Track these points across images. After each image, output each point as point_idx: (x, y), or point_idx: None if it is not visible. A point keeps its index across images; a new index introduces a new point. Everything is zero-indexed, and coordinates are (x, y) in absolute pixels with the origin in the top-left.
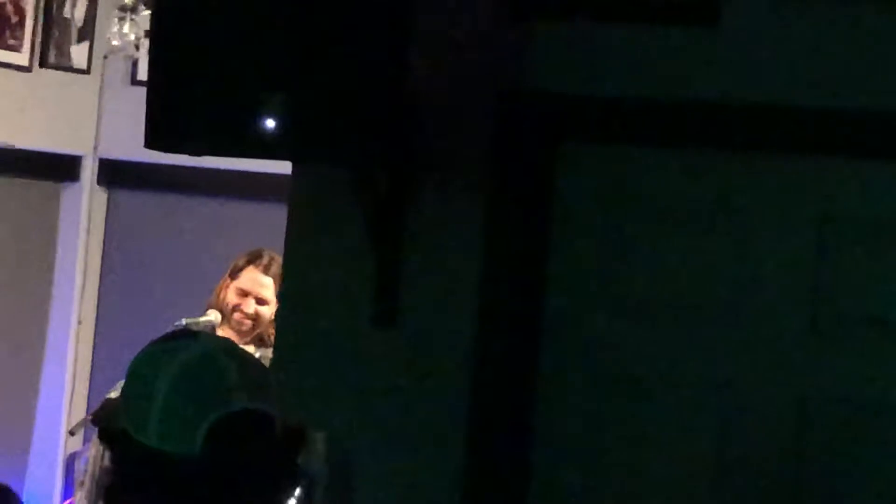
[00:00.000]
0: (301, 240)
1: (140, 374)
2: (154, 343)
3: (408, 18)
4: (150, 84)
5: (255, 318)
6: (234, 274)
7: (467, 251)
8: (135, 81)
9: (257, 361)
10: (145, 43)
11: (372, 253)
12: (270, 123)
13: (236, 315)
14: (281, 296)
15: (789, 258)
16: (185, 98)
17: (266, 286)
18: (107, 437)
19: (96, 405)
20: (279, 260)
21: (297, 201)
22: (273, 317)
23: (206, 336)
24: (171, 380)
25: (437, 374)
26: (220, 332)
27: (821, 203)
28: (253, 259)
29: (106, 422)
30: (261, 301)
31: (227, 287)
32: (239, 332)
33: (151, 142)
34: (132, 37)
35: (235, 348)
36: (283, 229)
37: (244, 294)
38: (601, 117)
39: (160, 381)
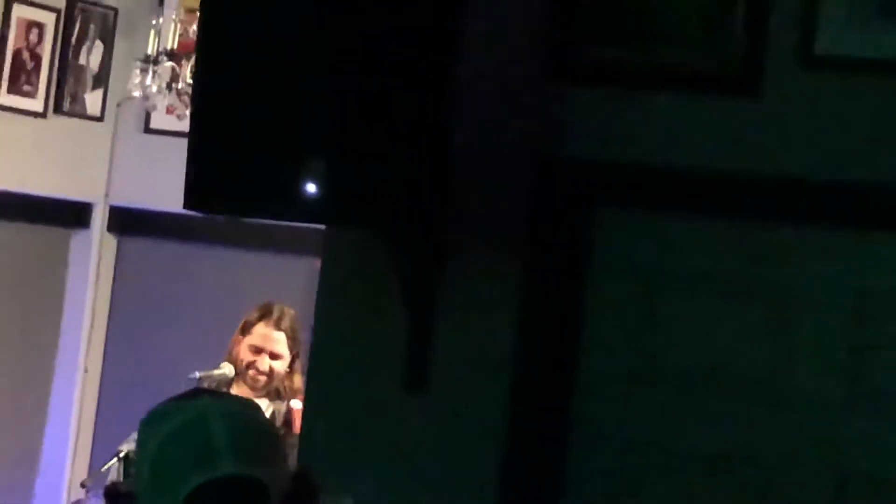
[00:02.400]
0: (333, 301)
1: (141, 432)
2: (165, 401)
3: (448, 84)
4: (191, 147)
5: (270, 373)
6: (246, 330)
7: (501, 317)
8: (147, 129)
9: (262, 427)
10: (165, 94)
11: (405, 317)
12: (311, 188)
13: (251, 372)
14: (311, 357)
15: (826, 332)
16: (226, 162)
17: (279, 341)
18: (108, 494)
19: (100, 454)
20: (290, 312)
21: (331, 262)
22: (288, 369)
23: (211, 398)
24: (159, 442)
25: (467, 441)
26: (234, 387)
27: (858, 276)
28: (263, 314)
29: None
30: (274, 356)
31: (240, 343)
32: (253, 388)
33: (191, 203)
34: (154, 88)
35: (236, 412)
36: (293, 281)
37: (258, 351)
38: (638, 185)
39: (152, 442)
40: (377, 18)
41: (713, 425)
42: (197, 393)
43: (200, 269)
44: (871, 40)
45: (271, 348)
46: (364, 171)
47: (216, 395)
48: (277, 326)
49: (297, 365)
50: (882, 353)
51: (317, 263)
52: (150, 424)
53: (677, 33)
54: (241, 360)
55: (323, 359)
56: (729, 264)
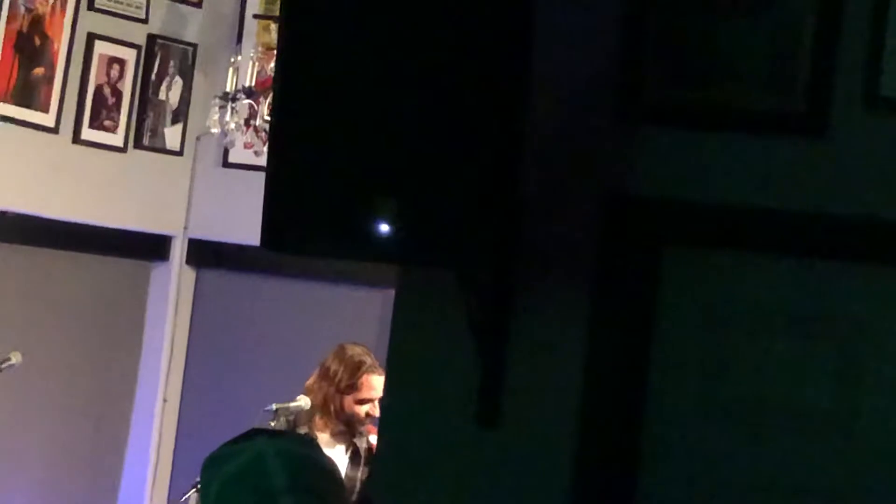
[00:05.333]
0: (407, 336)
1: (202, 477)
2: (223, 445)
3: (517, 123)
4: (267, 190)
5: None
6: (352, 388)
7: (571, 353)
8: (226, 163)
9: (318, 462)
10: (242, 131)
11: (477, 353)
12: (383, 228)
13: (369, 426)
14: (385, 392)
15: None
16: (300, 204)
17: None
18: None
19: (179, 484)
20: (368, 350)
21: (404, 297)
22: None
23: (266, 437)
24: (219, 486)
25: (537, 476)
26: (318, 421)
27: None
28: (359, 366)
29: None
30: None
31: (347, 401)
32: (330, 425)
33: (267, 244)
34: (232, 125)
35: (291, 450)
36: (369, 313)
37: (369, 401)
38: (706, 224)
39: (213, 486)
40: (449, 58)
41: (784, 462)
42: (253, 434)
43: (277, 300)
44: None
45: (380, 394)
46: (435, 211)
47: (271, 433)
48: (380, 371)
49: None
50: None
51: (392, 296)
52: (209, 468)
53: (744, 73)
54: (358, 417)
55: (396, 393)
56: (796, 303)
